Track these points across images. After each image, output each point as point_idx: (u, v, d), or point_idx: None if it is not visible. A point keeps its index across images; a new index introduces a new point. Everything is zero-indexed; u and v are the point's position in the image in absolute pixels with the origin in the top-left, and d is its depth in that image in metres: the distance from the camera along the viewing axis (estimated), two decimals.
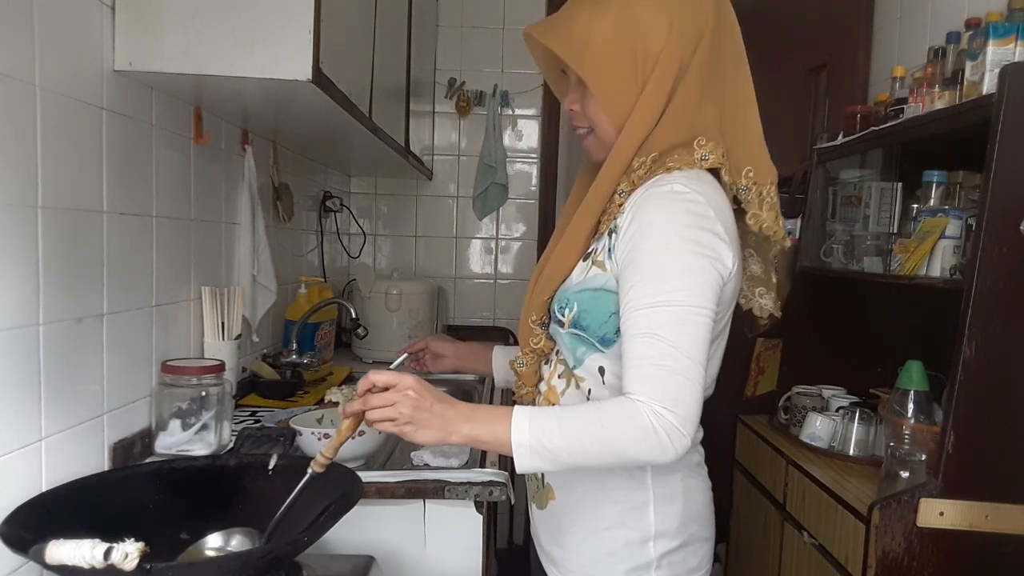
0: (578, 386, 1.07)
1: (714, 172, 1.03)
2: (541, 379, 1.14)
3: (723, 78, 1.03)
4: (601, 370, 1.04)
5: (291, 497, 0.98)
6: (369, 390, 0.96)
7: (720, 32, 1.02)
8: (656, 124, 1.01)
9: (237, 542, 0.99)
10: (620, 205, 1.02)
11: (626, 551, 1.05)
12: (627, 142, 1.02)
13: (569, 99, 1.09)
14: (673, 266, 0.94)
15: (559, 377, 1.10)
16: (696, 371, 0.93)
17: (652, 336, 0.93)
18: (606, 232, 1.03)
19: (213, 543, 0.99)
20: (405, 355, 1.39)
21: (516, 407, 0.96)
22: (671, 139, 1.01)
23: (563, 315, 1.05)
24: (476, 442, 0.96)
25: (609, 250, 1.01)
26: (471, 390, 2.21)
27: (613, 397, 0.97)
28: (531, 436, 0.92)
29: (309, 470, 0.98)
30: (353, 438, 1.02)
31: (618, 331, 0.99)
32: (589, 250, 1.06)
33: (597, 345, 1.03)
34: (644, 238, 0.96)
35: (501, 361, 1.36)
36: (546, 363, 1.14)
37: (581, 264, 1.06)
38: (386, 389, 0.95)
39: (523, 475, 1.18)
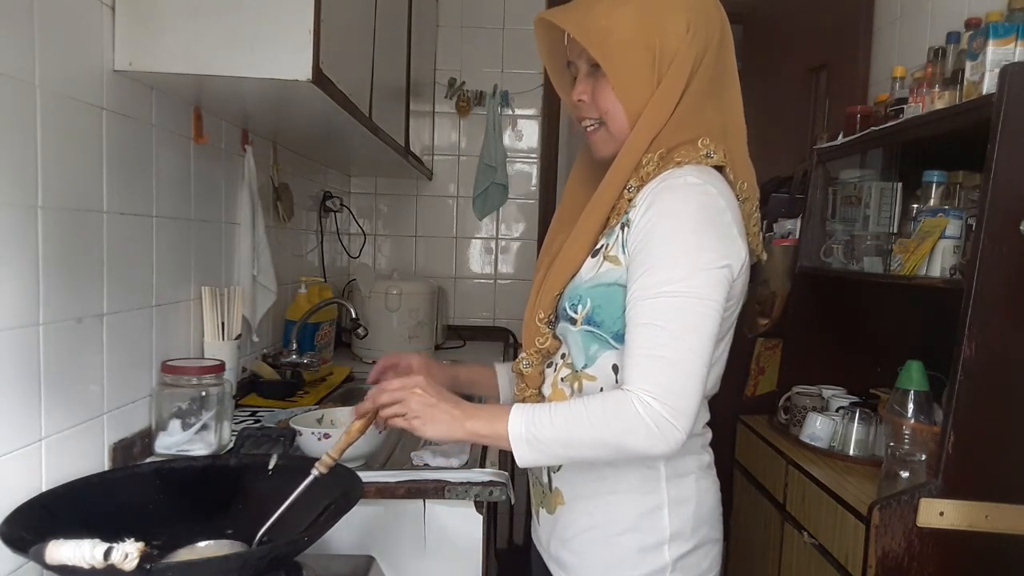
0: (582, 389, 1.05)
1: (718, 170, 1.04)
2: (544, 382, 1.12)
3: (724, 87, 1.06)
4: (615, 368, 1.03)
5: (290, 499, 0.97)
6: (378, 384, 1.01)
7: (724, 43, 1.05)
8: (667, 122, 1.02)
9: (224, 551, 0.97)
10: (630, 200, 1.02)
11: (639, 556, 1.04)
12: (641, 135, 1.02)
13: (578, 90, 1.08)
14: (682, 257, 0.94)
15: (563, 381, 1.08)
16: (696, 364, 0.92)
17: (653, 326, 0.93)
18: (617, 226, 1.02)
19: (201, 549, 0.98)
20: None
21: (515, 404, 0.98)
22: (678, 137, 1.02)
23: (575, 312, 1.03)
24: (478, 437, 1.00)
25: (622, 244, 1.01)
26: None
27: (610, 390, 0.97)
28: (527, 430, 0.94)
29: (314, 471, 0.97)
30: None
31: None
32: (599, 246, 1.05)
33: (611, 342, 1.02)
34: (656, 229, 0.96)
35: (506, 377, 1.30)
36: (549, 366, 1.12)
37: (590, 260, 1.05)
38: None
39: (528, 481, 1.19)
